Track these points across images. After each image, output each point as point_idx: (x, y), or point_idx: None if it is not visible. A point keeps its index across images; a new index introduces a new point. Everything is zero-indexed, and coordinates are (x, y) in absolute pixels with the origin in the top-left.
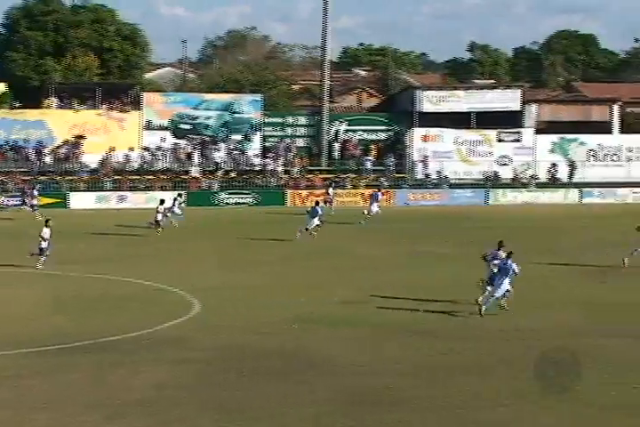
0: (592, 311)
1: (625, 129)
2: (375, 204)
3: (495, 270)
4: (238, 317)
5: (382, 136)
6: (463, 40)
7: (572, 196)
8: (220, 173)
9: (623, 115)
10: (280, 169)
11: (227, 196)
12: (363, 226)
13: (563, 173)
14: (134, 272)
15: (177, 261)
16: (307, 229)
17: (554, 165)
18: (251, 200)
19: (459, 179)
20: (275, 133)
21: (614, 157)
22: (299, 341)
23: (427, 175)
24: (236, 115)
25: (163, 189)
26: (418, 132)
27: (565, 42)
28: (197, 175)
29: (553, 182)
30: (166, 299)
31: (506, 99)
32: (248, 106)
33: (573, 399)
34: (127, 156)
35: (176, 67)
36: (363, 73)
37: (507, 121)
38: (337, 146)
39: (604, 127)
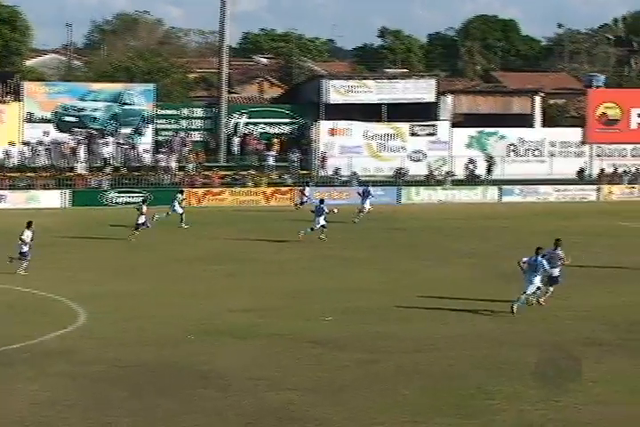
0: (514, 319)
1: (547, 122)
2: (367, 200)
3: (556, 271)
4: (128, 327)
5: (286, 129)
6: (373, 25)
7: (491, 194)
8: (108, 169)
9: (545, 107)
10: (174, 165)
11: (116, 195)
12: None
13: (481, 170)
14: (13, 278)
15: (61, 267)
16: (312, 230)
17: (471, 160)
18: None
19: (369, 176)
20: (168, 126)
21: (536, 153)
22: (191, 353)
23: (335, 172)
24: (126, 106)
25: (45, 187)
26: (324, 125)
27: (484, 27)
28: (83, 172)
29: (470, 180)
30: (50, 307)
31: (420, 89)
32: (139, 96)
33: (484, 412)
34: (7, 151)
35: (60, 53)
36: (264, 61)
37: (421, 113)
38: (236, 140)
39: (525, 120)
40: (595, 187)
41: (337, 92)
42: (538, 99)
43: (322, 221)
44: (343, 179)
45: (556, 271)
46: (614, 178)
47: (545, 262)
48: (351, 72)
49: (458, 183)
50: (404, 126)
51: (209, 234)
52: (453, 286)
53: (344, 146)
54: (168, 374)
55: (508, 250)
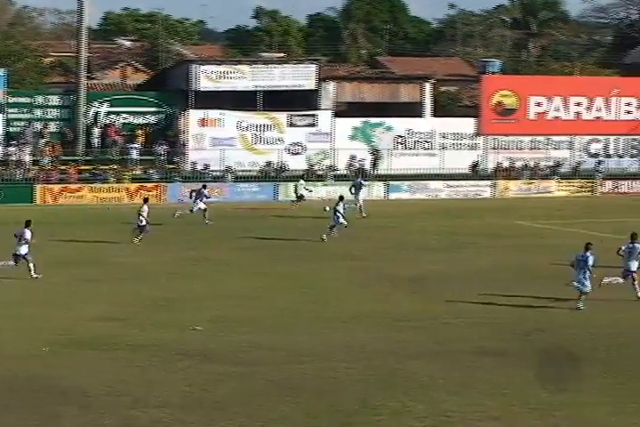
0: (399, 328)
1: (438, 111)
2: (360, 193)
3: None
4: None
5: (151, 119)
6: (247, 5)
7: (377, 190)
8: None
9: (436, 95)
10: (27, 159)
11: None
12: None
13: (366, 164)
14: None
15: None
16: (331, 228)
17: (355, 155)
18: None
19: (243, 170)
20: (21, 116)
21: (426, 145)
22: (49, 367)
23: (205, 167)
24: None
25: None
26: (194, 114)
27: (368, 8)
28: None
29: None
30: None
31: (299, 75)
32: None
33: None
34: None
35: None
36: (128, 44)
37: (300, 102)
38: (97, 131)
39: (414, 109)
40: (489, 182)
41: (208, 78)
42: (428, 86)
43: (343, 221)
44: (215, 174)
45: None
46: (511, 173)
47: (591, 258)
48: (223, 56)
49: (340, 178)
50: (282, 116)
51: (65, 235)
52: (333, 291)
53: (215, 137)
54: (24, 391)
55: (393, 251)
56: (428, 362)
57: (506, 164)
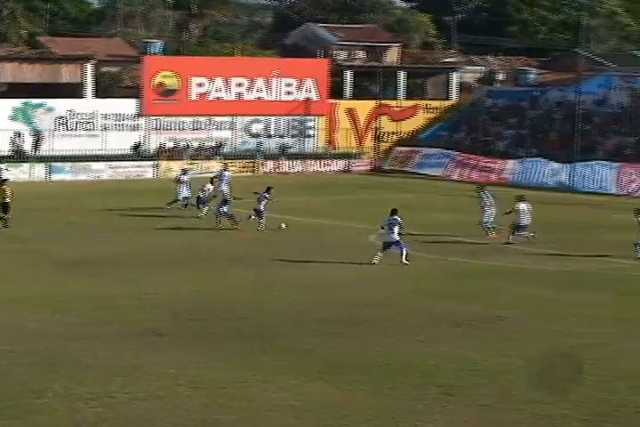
0: (49, 309)
1: (100, 92)
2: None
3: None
4: None
5: None
6: None
7: (39, 172)
8: None
9: (98, 76)
10: None
11: None
12: None
13: (28, 145)
14: None
15: None
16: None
17: (18, 134)
18: None
19: None
20: None
21: (88, 126)
22: None
23: None
24: None
25: None
26: None
27: None
28: None
29: (17, 156)
30: None
31: None
32: None
33: None
34: None
35: None
36: None
37: None
38: None
39: (75, 90)
40: (152, 163)
41: None
42: (89, 66)
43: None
44: None
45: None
46: (173, 153)
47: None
48: None
49: (2, 160)
50: None
51: None
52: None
53: None
54: None
55: (59, 233)
56: (93, 344)
57: (169, 144)
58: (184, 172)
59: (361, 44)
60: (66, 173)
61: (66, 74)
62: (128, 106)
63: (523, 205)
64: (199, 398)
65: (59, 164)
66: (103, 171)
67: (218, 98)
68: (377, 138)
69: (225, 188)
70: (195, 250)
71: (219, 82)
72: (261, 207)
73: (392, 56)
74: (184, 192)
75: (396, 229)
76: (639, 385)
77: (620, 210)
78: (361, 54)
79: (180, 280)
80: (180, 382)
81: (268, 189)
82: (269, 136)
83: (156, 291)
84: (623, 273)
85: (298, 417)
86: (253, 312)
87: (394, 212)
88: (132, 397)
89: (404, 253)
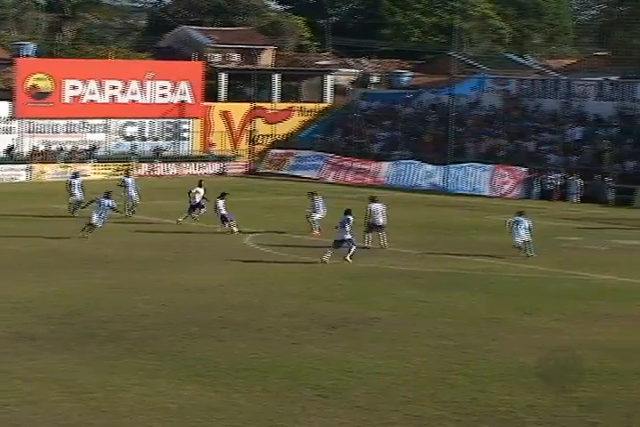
0: None
1: None
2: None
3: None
4: None
5: None
6: None
7: None
8: None
9: None
10: None
11: None
12: None
13: None
14: None
15: None
16: None
17: None
18: None
19: None
20: None
21: None
22: None
23: None
24: None
25: None
26: None
27: None
28: None
29: None
30: None
31: None
32: None
33: None
34: None
35: None
36: None
37: None
38: None
39: None
40: (25, 166)
41: None
42: None
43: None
44: None
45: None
46: (47, 156)
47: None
48: None
49: None
50: None
51: None
52: None
53: None
54: None
55: None
56: None
57: (42, 147)
58: (75, 175)
59: (235, 46)
60: None
61: None
62: (1, 108)
63: (375, 206)
64: (71, 402)
65: None
66: None
67: (92, 101)
68: (252, 140)
69: (134, 193)
70: (63, 254)
71: (92, 85)
72: (223, 211)
73: (266, 59)
74: (77, 195)
75: (348, 228)
76: (512, 385)
77: (493, 211)
78: (235, 57)
79: (47, 284)
80: (51, 387)
81: (223, 195)
82: (144, 139)
83: (23, 295)
84: (496, 274)
85: (173, 420)
86: (124, 316)
87: (348, 212)
88: (4, 402)
89: (352, 251)
